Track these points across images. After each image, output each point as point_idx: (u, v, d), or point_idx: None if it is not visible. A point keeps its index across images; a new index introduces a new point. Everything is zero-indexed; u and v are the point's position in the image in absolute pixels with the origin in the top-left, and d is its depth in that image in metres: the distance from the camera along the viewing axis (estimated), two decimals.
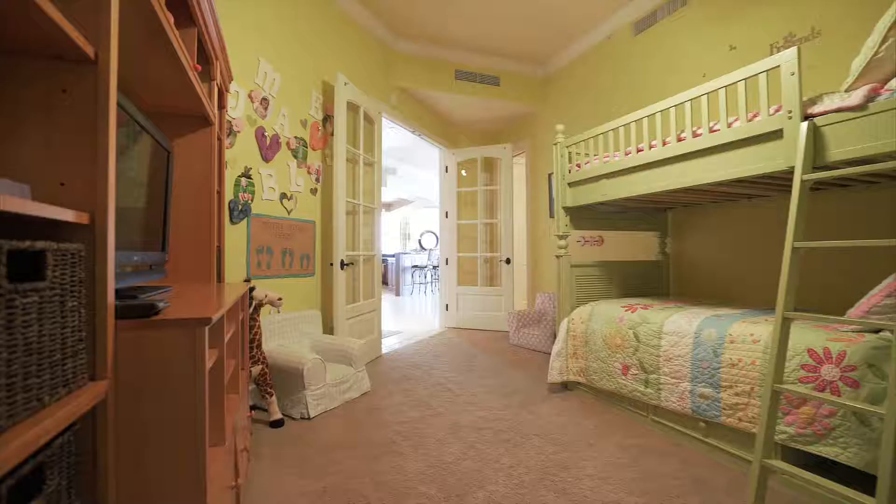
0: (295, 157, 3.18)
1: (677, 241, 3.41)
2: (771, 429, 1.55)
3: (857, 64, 1.61)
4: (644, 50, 3.72)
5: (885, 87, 1.53)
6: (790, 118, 1.72)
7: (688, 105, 2.14)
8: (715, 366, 1.97)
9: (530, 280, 5.31)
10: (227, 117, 2.46)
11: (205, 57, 1.83)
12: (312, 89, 3.36)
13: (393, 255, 10.36)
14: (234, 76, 2.57)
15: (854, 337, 1.62)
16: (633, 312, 2.47)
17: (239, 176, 2.69)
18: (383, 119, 4.33)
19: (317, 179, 3.41)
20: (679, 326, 2.18)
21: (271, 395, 2.38)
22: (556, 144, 3.03)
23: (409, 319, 6.36)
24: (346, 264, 3.42)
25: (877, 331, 1.61)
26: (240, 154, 2.70)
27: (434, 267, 10.04)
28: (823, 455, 1.58)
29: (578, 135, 2.89)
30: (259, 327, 2.33)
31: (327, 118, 3.52)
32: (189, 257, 1.85)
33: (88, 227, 0.81)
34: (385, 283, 11.38)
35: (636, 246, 3.68)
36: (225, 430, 1.20)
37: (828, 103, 1.64)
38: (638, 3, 3.72)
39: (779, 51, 2.72)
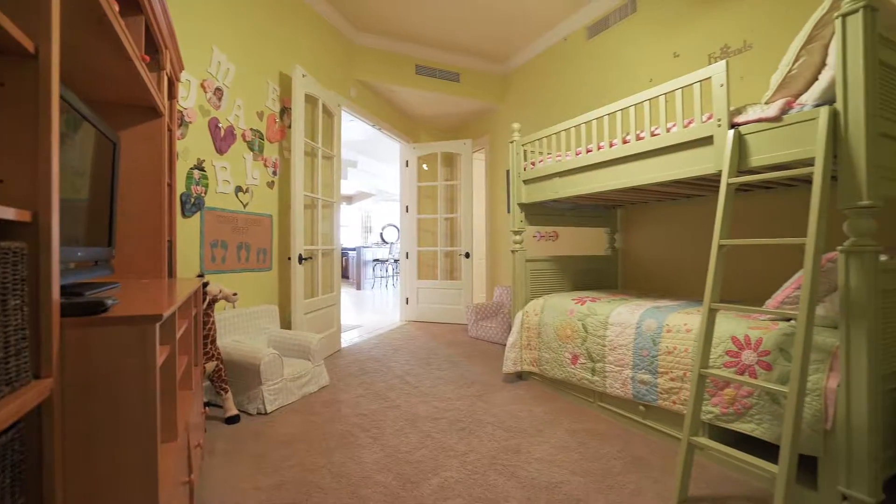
0: (251, 149, 3.12)
1: (626, 237, 3.61)
2: (698, 409, 1.70)
3: (775, 79, 1.77)
4: (597, 53, 3.87)
5: (797, 102, 1.70)
6: (719, 126, 1.87)
7: (632, 109, 2.28)
8: (653, 354, 2.13)
9: (489, 273, 5.43)
10: (178, 107, 2.39)
11: (153, 46, 1.78)
12: (269, 80, 3.30)
13: (354, 249, 10.27)
14: (186, 65, 2.50)
15: (770, 325, 1.80)
16: (582, 305, 2.61)
17: (191, 168, 2.62)
18: (343, 112, 4.30)
19: (274, 172, 3.36)
20: (623, 318, 2.33)
21: (226, 392, 2.35)
22: (512, 143, 3.13)
23: (370, 313, 6.36)
24: (305, 258, 3.39)
25: (788, 319, 1.80)
26: (192, 145, 2.63)
27: (395, 260, 10.04)
28: (743, 431, 1.76)
29: (533, 134, 3.00)
30: (213, 323, 2.30)
31: (285, 110, 3.46)
32: (139, 252, 1.80)
33: (31, 224, 0.80)
34: (346, 276, 11.27)
35: (588, 241, 3.85)
36: (177, 427, 1.21)
37: (751, 114, 1.80)
38: (591, 7, 3.86)
39: (716, 60, 2.92)
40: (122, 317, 0.92)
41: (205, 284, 2.21)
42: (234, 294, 2.39)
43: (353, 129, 5.90)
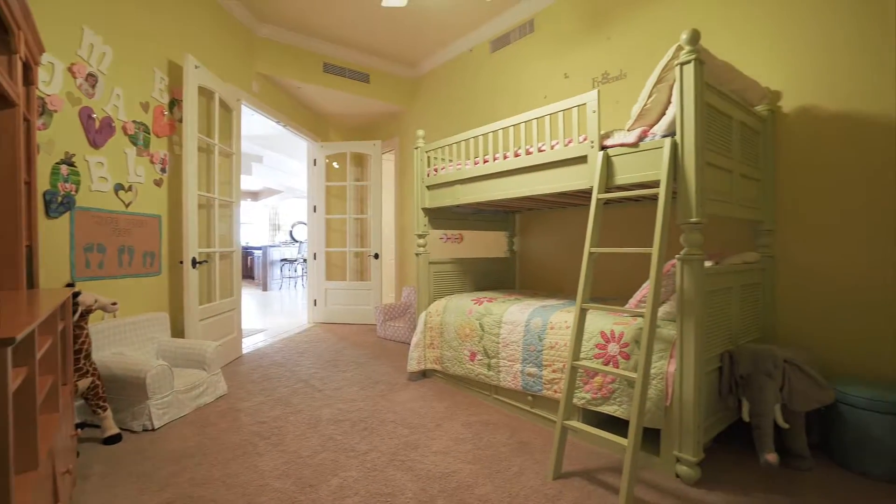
0: (134, 143, 2.86)
1: (523, 240, 3.90)
2: (570, 397, 1.94)
3: (635, 109, 2.07)
4: (500, 66, 4.12)
5: (651, 131, 2.00)
6: (592, 147, 2.14)
7: (523, 126, 2.50)
8: (539, 349, 2.37)
9: (398, 274, 5.51)
10: (38, 94, 2.13)
11: (2, 26, 1.59)
12: (156, 69, 3.04)
13: (260, 248, 9.74)
14: (50, 46, 2.24)
15: (630, 320, 2.10)
16: (479, 305, 2.80)
17: (58, 163, 2.35)
18: (245, 106, 4.09)
19: (162, 170, 3.11)
20: (514, 316, 2.54)
21: (104, 410, 2.16)
22: (416, 149, 3.23)
23: (276, 315, 6.11)
24: (200, 262, 3.19)
25: (639, 316, 2.12)
26: (59, 138, 2.36)
27: (305, 260, 9.70)
28: (609, 413, 2.04)
29: (436, 142, 3.13)
30: (87, 336, 2.10)
31: (175, 102, 3.22)
32: None
33: None
34: (251, 277, 10.64)
35: (489, 244, 4.10)
36: (39, 455, 1.12)
37: (616, 138, 2.09)
38: (495, 23, 4.10)
39: (599, 84, 3.29)
40: None
41: (75, 294, 2.01)
42: (114, 303, 2.20)
43: (258, 123, 5.61)
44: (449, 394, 2.86)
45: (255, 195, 12.16)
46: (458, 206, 3.07)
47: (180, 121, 3.23)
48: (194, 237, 3.13)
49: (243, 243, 10.91)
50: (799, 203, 2.35)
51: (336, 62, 4.69)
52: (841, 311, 2.22)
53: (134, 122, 2.86)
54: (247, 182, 9.90)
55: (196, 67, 3.13)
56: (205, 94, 3.37)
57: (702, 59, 1.77)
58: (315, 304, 5.41)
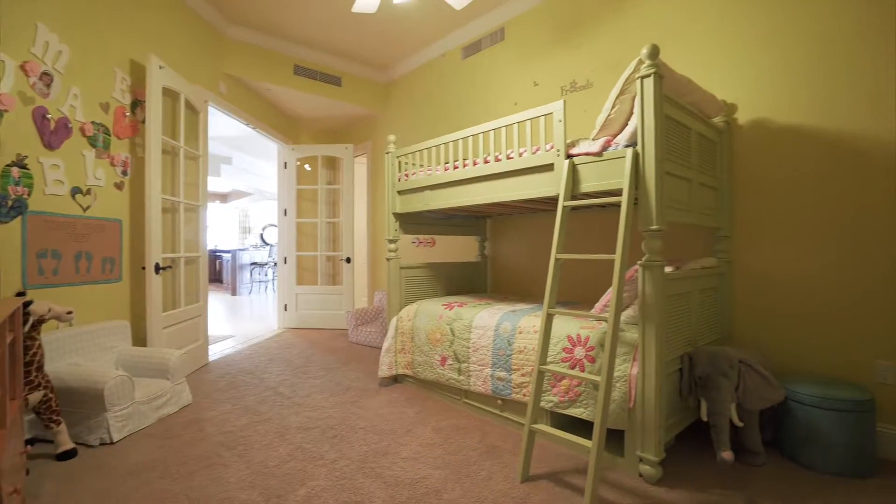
0: (93, 145, 2.76)
1: (494, 245, 3.95)
2: (538, 400, 1.98)
3: (599, 119, 2.13)
4: (472, 72, 4.17)
5: (615, 141, 2.07)
6: (558, 155, 2.19)
7: (492, 133, 2.53)
8: (508, 353, 2.40)
9: (370, 278, 5.48)
10: None
11: None
12: (117, 69, 2.94)
13: (229, 252, 9.50)
14: None
15: (596, 324, 2.16)
16: (450, 310, 2.81)
17: (8, 165, 2.24)
18: (213, 108, 3.99)
19: (124, 172, 3.01)
20: (484, 321, 2.57)
21: (58, 424, 2.07)
22: (387, 153, 3.23)
23: (246, 321, 5.97)
24: (163, 268, 3.10)
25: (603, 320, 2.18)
26: (9, 138, 2.25)
27: (276, 264, 9.52)
28: (575, 415, 2.08)
29: (407, 147, 3.14)
30: (39, 347, 2.00)
31: (137, 103, 3.12)
32: None
33: None
34: (219, 281, 10.37)
35: (461, 248, 4.13)
36: None
37: (582, 147, 2.14)
38: (466, 30, 4.14)
39: (567, 93, 3.37)
40: None
41: (27, 304, 1.92)
42: (69, 312, 2.11)
43: (227, 124, 5.48)
44: (420, 399, 2.86)
45: (223, 197, 11.86)
46: (429, 211, 3.08)
47: (143, 122, 3.13)
48: (157, 242, 3.03)
49: (211, 246, 10.61)
50: (754, 211, 2.47)
51: (307, 65, 4.64)
52: (792, 313, 2.34)
53: (93, 123, 2.76)
54: (215, 184, 9.65)
55: (160, 68, 3.05)
56: (170, 95, 3.27)
57: (661, 74, 1.84)
58: (285, 309, 5.31)
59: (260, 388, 3.09)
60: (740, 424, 1.92)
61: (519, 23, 3.74)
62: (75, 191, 2.64)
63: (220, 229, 11.67)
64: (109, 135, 2.89)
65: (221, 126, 5.84)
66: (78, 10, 2.65)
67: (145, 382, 2.59)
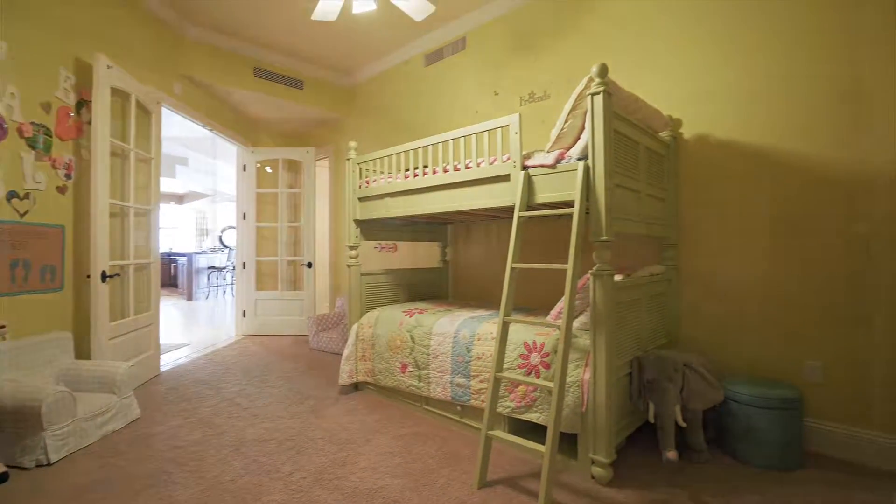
0: (32, 147, 2.61)
1: (455, 251, 3.99)
2: (494, 407, 2.02)
3: (554, 133, 2.21)
4: (434, 80, 4.20)
5: (568, 154, 2.14)
6: (514, 166, 2.25)
7: (451, 143, 2.57)
8: (467, 359, 2.44)
9: (332, 283, 5.41)
10: None
11: None
12: (60, 67, 2.80)
13: (185, 255, 9.13)
14: None
15: (551, 331, 2.22)
16: (410, 317, 2.83)
17: None
18: (167, 109, 3.84)
19: (67, 176, 2.85)
20: (444, 328, 2.60)
21: None
22: (348, 160, 3.22)
23: (201, 328, 5.76)
24: (110, 276, 2.96)
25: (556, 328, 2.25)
26: None
27: (234, 268, 9.24)
28: (532, 420, 2.14)
29: (367, 154, 3.14)
30: None
31: (83, 103, 2.97)
32: None
33: None
34: (175, 286, 9.95)
35: (422, 254, 4.15)
36: None
37: (536, 159, 2.21)
38: (428, 38, 4.17)
39: (525, 103, 3.45)
40: None
41: None
42: (2, 326, 1.99)
43: (184, 124, 5.29)
44: (380, 406, 2.85)
45: (179, 199, 11.40)
46: (390, 217, 3.09)
47: (89, 123, 2.98)
48: (104, 249, 2.89)
49: (166, 249, 10.17)
50: (697, 220, 2.62)
51: (268, 67, 4.54)
52: (732, 317, 2.49)
53: (32, 123, 2.60)
54: (171, 185, 9.26)
55: (109, 67, 2.91)
56: (119, 95, 3.13)
57: (609, 91, 1.93)
58: (244, 315, 5.17)
59: (215, 399, 2.99)
60: (684, 425, 2.03)
61: (480, 33, 3.80)
62: (11, 195, 2.49)
63: (176, 232, 11.20)
64: (51, 136, 2.73)
65: (176, 126, 5.64)
66: (17, 5, 2.51)
67: (88, 398, 2.46)
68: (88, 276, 2.90)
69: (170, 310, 7.29)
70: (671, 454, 1.94)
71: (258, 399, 2.99)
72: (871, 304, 2.11)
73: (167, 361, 3.96)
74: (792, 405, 2.05)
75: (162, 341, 3.91)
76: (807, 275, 2.27)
